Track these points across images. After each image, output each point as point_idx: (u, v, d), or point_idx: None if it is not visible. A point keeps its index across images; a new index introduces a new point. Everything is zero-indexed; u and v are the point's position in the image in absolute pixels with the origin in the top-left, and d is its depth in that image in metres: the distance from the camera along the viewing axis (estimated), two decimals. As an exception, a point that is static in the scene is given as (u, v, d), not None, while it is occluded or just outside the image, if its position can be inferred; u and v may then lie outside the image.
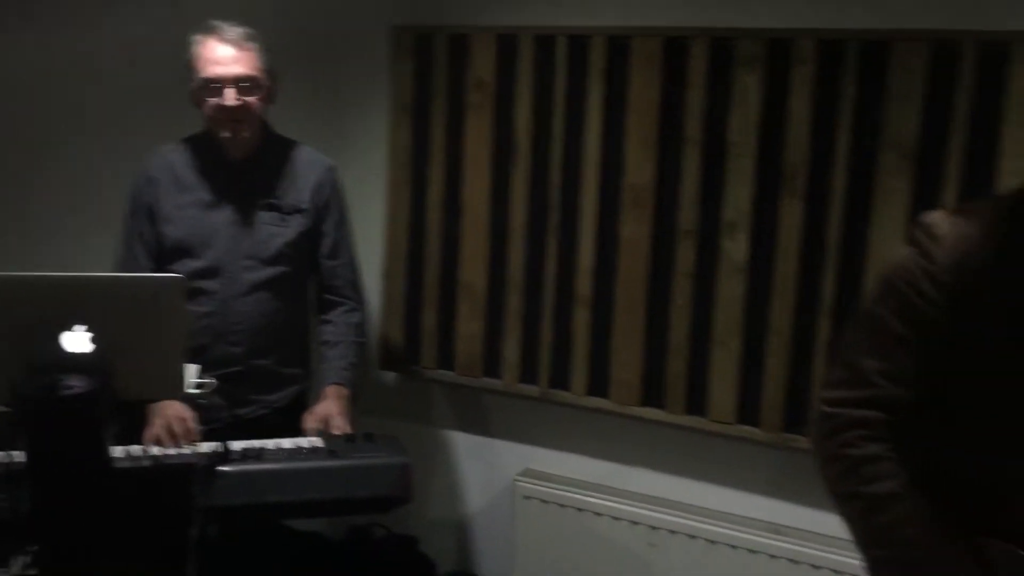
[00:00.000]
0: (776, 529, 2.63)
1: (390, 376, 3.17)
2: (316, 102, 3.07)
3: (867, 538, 1.40)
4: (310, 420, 2.31)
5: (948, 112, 2.34)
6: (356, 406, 2.43)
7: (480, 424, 3.09)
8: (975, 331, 1.32)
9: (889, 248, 2.38)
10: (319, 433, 2.23)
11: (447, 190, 2.95)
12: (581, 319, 2.80)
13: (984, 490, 1.35)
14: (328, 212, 2.52)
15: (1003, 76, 2.28)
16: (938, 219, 1.37)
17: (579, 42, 2.72)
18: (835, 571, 2.48)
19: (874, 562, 1.41)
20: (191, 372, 1.93)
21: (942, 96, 2.34)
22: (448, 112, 2.91)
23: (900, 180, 2.39)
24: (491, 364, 2.96)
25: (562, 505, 2.84)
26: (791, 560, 2.56)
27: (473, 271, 2.93)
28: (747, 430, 2.63)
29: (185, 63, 2.37)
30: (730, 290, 2.61)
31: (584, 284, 2.78)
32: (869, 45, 2.39)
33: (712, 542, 2.65)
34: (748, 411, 2.63)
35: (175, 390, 1.89)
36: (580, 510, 2.82)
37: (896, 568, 1.37)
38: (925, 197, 2.36)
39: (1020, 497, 1.31)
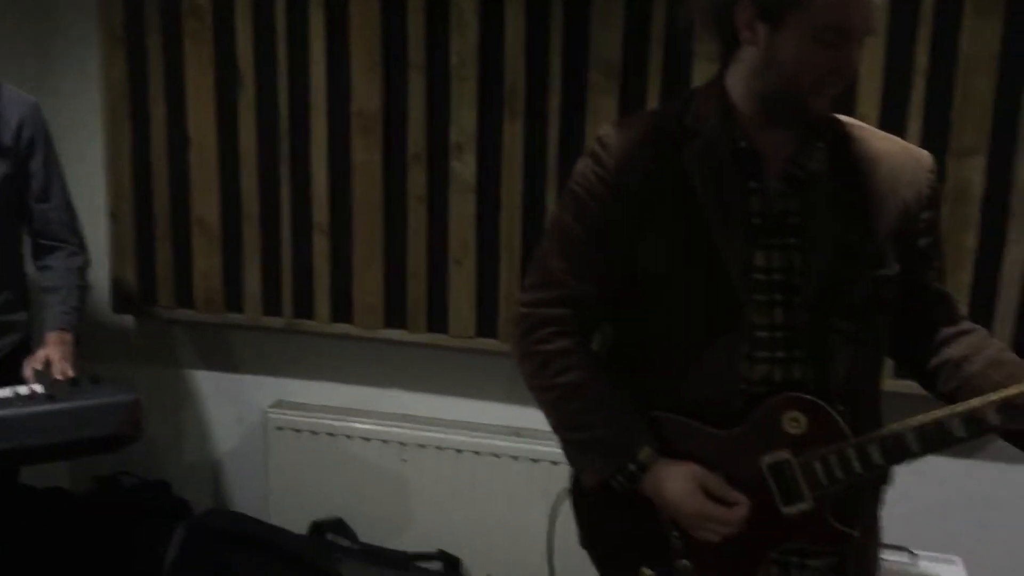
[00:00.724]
0: (517, 432, 2.79)
1: (127, 320, 3.06)
2: (17, 34, 2.85)
3: (562, 424, 1.54)
4: (30, 367, 2.20)
5: (646, 32, 2.51)
6: (80, 350, 2.33)
7: (227, 361, 3.05)
8: (641, 230, 1.46)
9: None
10: (40, 379, 2.14)
11: (170, 123, 2.84)
12: (320, 247, 2.81)
13: (661, 371, 1.51)
14: (34, 152, 2.37)
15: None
16: (608, 129, 1.51)
17: (297, -34, 2.68)
18: (571, 464, 2.67)
19: (569, 445, 1.55)
20: None
21: (640, 16, 2.51)
22: (164, 41, 2.79)
23: (607, 98, 2.55)
24: (232, 299, 2.91)
25: (314, 432, 2.88)
26: (532, 460, 2.73)
27: (205, 205, 2.86)
28: (486, 342, 2.76)
29: None
30: (462, 210, 2.70)
31: (320, 212, 2.79)
32: (573, -31, 2.52)
33: (459, 451, 2.78)
34: (486, 325, 2.76)
35: None
36: (332, 435, 2.87)
37: (588, 447, 1.52)
38: (631, 113, 2.53)
39: (690, 376, 1.47)
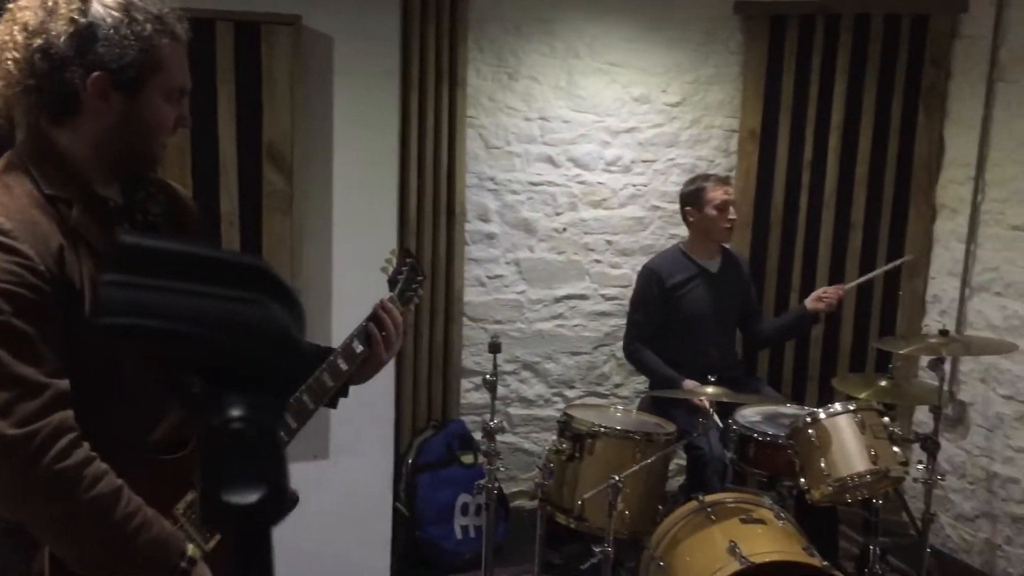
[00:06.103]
0: None
1: None
2: None
3: (107, 536, 1.36)
4: None
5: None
6: None
7: None
8: (75, 301, 1.39)
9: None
10: None
11: None
12: None
13: (119, 421, 1.46)
14: None
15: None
16: (3, 221, 1.35)
17: None
18: None
19: (117, 555, 1.37)
20: None
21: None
22: None
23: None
24: None
25: None
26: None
27: None
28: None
29: None
30: None
31: None
32: None
33: None
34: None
35: None
36: None
37: (138, 553, 1.38)
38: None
39: (153, 416, 1.50)
